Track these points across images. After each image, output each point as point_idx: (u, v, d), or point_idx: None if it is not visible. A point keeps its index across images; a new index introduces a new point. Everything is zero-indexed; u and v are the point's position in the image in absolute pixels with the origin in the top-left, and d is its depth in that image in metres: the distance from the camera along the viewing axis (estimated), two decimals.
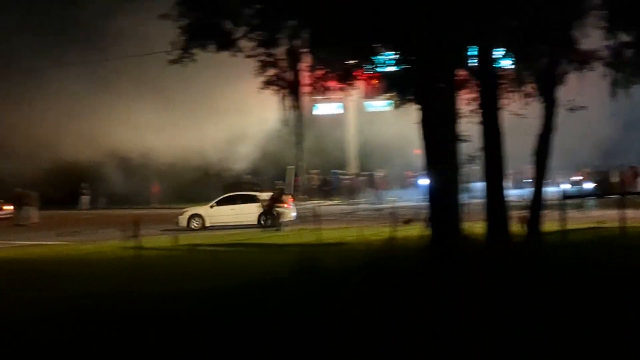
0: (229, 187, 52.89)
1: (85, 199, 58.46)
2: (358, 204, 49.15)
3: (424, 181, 25.37)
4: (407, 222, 25.38)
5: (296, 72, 27.90)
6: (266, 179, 47.32)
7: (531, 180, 21.87)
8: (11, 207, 51.01)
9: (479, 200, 20.11)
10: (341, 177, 54.27)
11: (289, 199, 36.23)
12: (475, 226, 19.82)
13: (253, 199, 38.98)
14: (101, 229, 38.04)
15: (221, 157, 51.88)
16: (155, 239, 28.97)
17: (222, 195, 41.76)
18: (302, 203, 39.72)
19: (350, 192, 52.93)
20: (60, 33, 49.18)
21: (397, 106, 22.14)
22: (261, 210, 37.54)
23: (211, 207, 40.30)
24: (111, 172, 54.71)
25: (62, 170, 53.78)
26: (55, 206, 54.86)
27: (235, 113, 48.98)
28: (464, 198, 19.85)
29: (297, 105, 29.99)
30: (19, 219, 48.74)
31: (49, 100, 51.22)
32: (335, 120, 54.26)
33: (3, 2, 50.10)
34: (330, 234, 27.71)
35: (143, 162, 53.71)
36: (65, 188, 56.92)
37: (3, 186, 51.81)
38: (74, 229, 40.68)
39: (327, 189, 52.37)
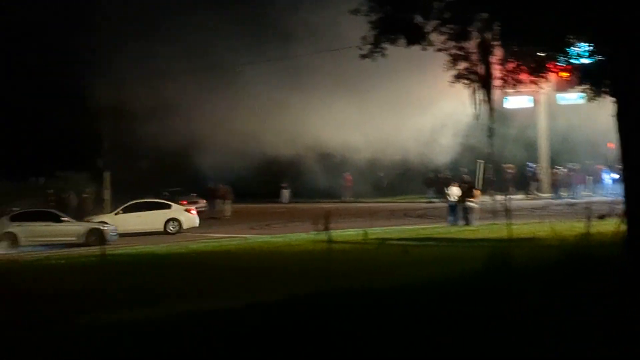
0: (429, 181, 53.09)
1: (285, 192, 59.82)
2: (551, 198, 48.20)
3: (617, 175, 24.55)
4: (602, 217, 24.64)
5: (487, 65, 27.55)
6: (466, 173, 46.73)
7: None
8: (205, 201, 52.81)
9: None
10: (534, 171, 53.20)
11: (478, 193, 35.79)
12: None
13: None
14: (291, 221, 38.69)
15: (418, 151, 51.76)
16: (343, 233, 29.20)
17: None
18: (493, 197, 39.10)
19: (543, 186, 51.96)
20: (254, 30, 50.27)
21: (590, 99, 21.46)
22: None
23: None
24: (309, 167, 55.58)
25: (265, 165, 55.13)
26: (258, 200, 56.57)
27: (428, 107, 48.78)
28: None
29: (488, 99, 29.63)
30: (213, 212, 50.32)
31: (247, 96, 52.45)
32: (526, 114, 53.19)
33: (202, 4, 51.56)
34: (522, 229, 27.17)
35: (341, 156, 54.28)
36: (269, 182, 58.51)
37: (202, 180, 53.55)
38: (266, 222, 41.59)
39: (520, 182, 51.45)
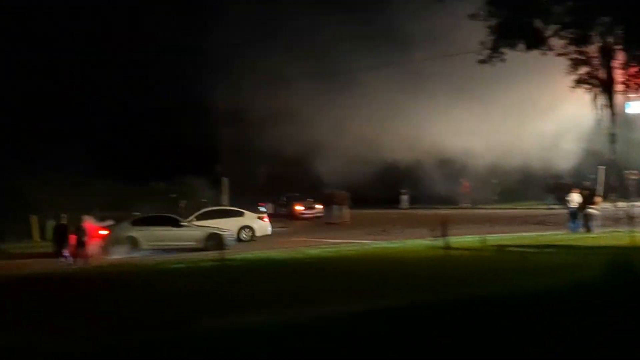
0: (549, 188, 52.18)
1: (404, 198, 59.83)
2: None
3: None
4: None
5: (609, 70, 27.02)
6: (587, 179, 45.69)
7: None
8: (322, 206, 53.15)
9: None
10: None
11: (599, 200, 34.99)
12: None
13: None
14: (409, 228, 38.55)
15: (538, 157, 50.99)
16: (461, 239, 28.95)
17: None
18: (615, 204, 38.16)
19: None
20: (374, 35, 50.30)
21: None
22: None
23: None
24: (428, 173, 55.39)
25: (384, 171, 55.18)
26: (377, 205, 56.70)
27: (549, 113, 48.02)
28: None
29: (610, 104, 29.06)
30: (330, 218, 50.55)
31: (367, 102, 52.58)
32: None
33: (322, 9, 51.87)
34: None
35: (460, 162, 53.89)
36: (389, 188, 58.62)
37: (320, 186, 53.87)
38: (383, 228, 41.51)
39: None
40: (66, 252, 32.39)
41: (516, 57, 28.16)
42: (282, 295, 18.42)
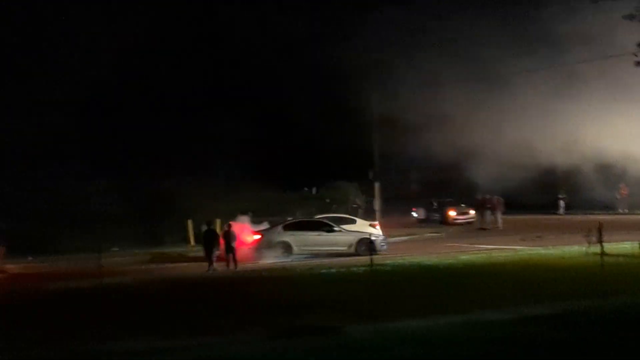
0: None
1: (562, 204, 58.46)
2: None
3: None
4: None
5: None
6: None
7: None
8: (474, 212, 52.66)
9: None
10: None
11: None
12: None
13: None
14: (564, 234, 37.70)
15: None
16: (618, 246, 28.07)
17: None
18: None
19: None
20: (526, 38, 49.46)
21: None
22: None
23: None
24: (585, 178, 53.99)
25: (541, 176, 54.08)
26: (533, 211, 55.84)
27: None
28: None
29: None
30: (482, 223, 50.01)
31: (521, 106, 51.62)
32: None
33: (474, 12, 51.40)
34: None
35: (620, 167, 52.23)
36: (546, 193, 57.55)
37: (474, 191, 53.29)
38: (537, 234, 40.81)
39: None
40: (214, 257, 33.08)
41: None
42: (433, 299, 18.33)
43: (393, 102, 51.51)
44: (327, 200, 50.74)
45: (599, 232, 23.30)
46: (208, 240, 33.49)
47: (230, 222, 34.82)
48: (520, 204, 54.84)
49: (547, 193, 58.00)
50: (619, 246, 28.24)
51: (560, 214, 56.93)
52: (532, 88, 49.82)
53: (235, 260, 33.04)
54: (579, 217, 49.02)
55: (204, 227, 34.89)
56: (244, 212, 39.36)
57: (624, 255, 25.88)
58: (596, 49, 45.67)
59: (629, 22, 24.17)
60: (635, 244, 27.70)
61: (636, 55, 25.23)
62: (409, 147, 53.30)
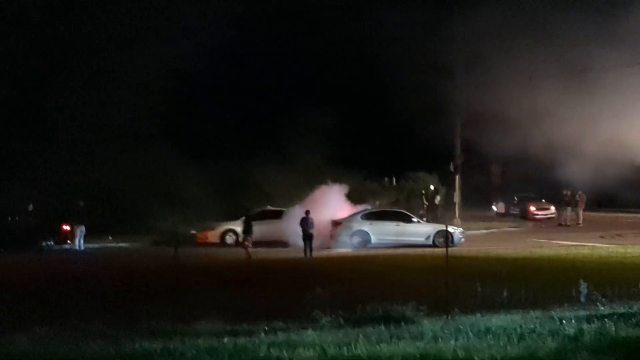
0: None
1: None
2: None
3: None
4: None
5: None
6: None
7: None
8: (554, 207, 52.34)
9: None
10: None
11: None
12: None
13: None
14: None
15: None
16: None
17: None
18: None
19: None
20: (620, 33, 48.65)
21: None
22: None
23: None
24: None
25: (636, 174, 53.08)
26: (626, 209, 55.11)
27: None
28: None
29: None
30: (562, 219, 49.68)
31: (614, 101, 50.82)
32: None
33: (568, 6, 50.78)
34: None
35: None
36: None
37: (557, 187, 52.77)
38: (618, 232, 40.47)
39: None
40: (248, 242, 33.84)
41: None
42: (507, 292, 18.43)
43: (482, 95, 51.21)
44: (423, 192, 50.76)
45: None
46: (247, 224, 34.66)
47: (308, 209, 35.15)
48: (613, 201, 54.24)
49: None
50: None
51: None
52: (625, 84, 49.13)
53: (310, 248, 33.40)
54: None
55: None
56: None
57: None
58: None
59: None
60: None
61: None
62: (494, 141, 53.01)
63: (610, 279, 20.74)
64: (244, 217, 36.24)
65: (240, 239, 36.29)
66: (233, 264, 29.88)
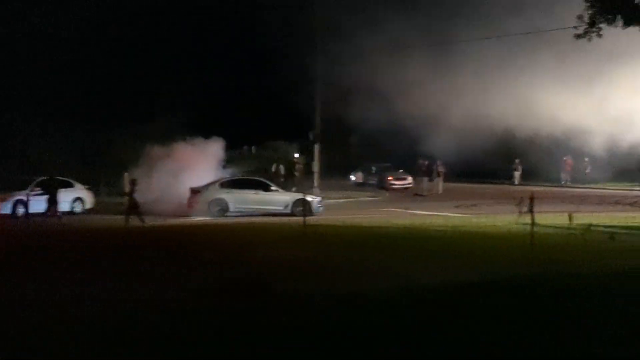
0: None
1: (517, 174, 57.96)
2: None
3: None
4: None
5: None
6: None
7: None
8: (412, 178, 53.12)
9: None
10: None
11: None
12: None
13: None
14: (501, 203, 37.96)
15: (614, 139, 49.54)
16: (549, 217, 28.38)
17: None
18: None
19: None
20: (477, 6, 49.40)
21: None
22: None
23: None
24: (537, 149, 54.23)
25: (498, 145, 54.00)
26: (487, 180, 56.18)
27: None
28: None
29: None
30: (419, 189, 50.43)
31: (470, 74, 51.51)
32: None
33: None
34: None
35: (571, 139, 52.40)
36: (505, 162, 57.56)
37: (415, 157, 53.48)
38: (475, 202, 41.26)
39: None
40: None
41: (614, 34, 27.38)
42: (361, 262, 18.47)
43: (347, 66, 51.32)
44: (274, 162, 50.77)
45: (531, 203, 23.53)
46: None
47: (134, 178, 34.79)
48: (477, 172, 55.27)
49: (505, 162, 57.98)
50: (551, 217, 28.54)
51: (515, 184, 56.49)
52: (485, 56, 49.96)
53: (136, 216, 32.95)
54: (529, 188, 49.24)
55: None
56: None
57: (555, 227, 26.21)
58: (547, 21, 45.59)
59: None
60: (568, 216, 28.04)
61: (576, 28, 25.34)
62: (358, 112, 53.30)
63: (460, 248, 21.14)
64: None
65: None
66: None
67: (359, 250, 20.89)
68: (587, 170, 55.74)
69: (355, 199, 47.80)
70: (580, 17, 25.00)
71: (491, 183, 56.24)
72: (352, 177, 59.81)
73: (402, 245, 22.13)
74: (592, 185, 52.92)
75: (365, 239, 24.43)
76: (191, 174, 38.36)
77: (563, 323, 11.63)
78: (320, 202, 37.73)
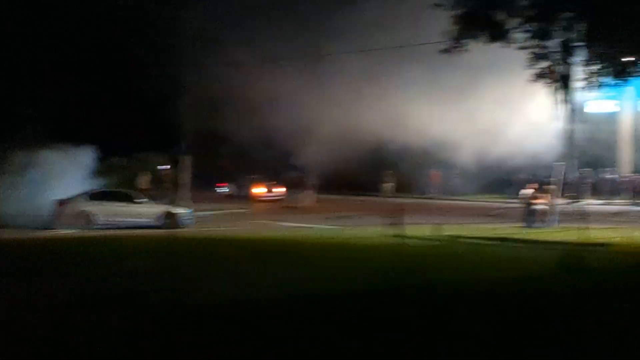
0: (508, 182, 51.94)
1: (387, 186, 58.21)
2: (629, 204, 47.16)
3: None
4: None
5: (568, 66, 27.08)
6: (544, 175, 45.67)
7: None
8: (284, 189, 53.19)
9: None
10: (612, 177, 52.32)
11: (551, 196, 35.12)
12: None
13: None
14: (371, 214, 38.35)
15: (499, 150, 50.79)
16: (416, 228, 28.83)
17: None
18: (570, 200, 38.43)
19: (622, 192, 50.85)
20: (347, 20, 49.90)
21: None
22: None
23: None
24: (406, 162, 54.93)
25: (372, 158, 54.33)
26: (359, 192, 56.52)
27: (512, 106, 48.32)
28: None
29: (568, 100, 29.15)
30: (290, 201, 50.55)
31: (335, 88, 51.98)
32: (609, 119, 52.36)
33: None
34: (596, 233, 26.60)
35: (437, 152, 53.30)
36: (376, 175, 57.93)
37: (287, 169, 53.56)
38: (345, 214, 41.58)
39: (593, 187, 50.43)
40: None
41: (484, 50, 28.10)
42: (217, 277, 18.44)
43: (213, 77, 51.07)
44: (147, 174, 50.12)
45: (399, 215, 23.85)
46: None
47: None
48: (349, 184, 55.67)
49: (377, 174, 58.49)
50: (418, 229, 28.93)
51: (386, 196, 56.86)
52: (355, 71, 50.55)
53: None
54: (400, 200, 49.86)
55: None
56: None
57: (421, 238, 26.60)
58: (415, 36, 46.37)
59: (436, 11, 24.77)
60: (435, 228, 28.55)
61: (443, 43, 25.92)
62: (226, 123, 53.15)
63: (327, 260, 21.31)
64: None
65: None
66: None
67: (224, 263, 20.85)
68: (454, 183, 56.90)
69: (227, 211, 47.57)
70: (445, 33, 25.48)
71: (363, 195, 56.80)
72: (224, 189, 59.64)
73: (267, 257, 22.14)
74: (460, 198, 54.09)
75: (232, 251, 24.38)
76: (58, 185, 37.51)
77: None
78: (190, 214, 37.41)
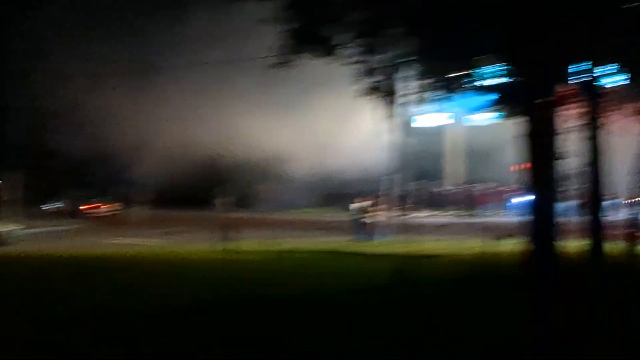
0: (336, 196, 52.58)
1: (221, 201, 57.42)
2: (455, 216, 48.49)
3: (521, 197, 24.79)
4: (503, 237, 24.91)
5: (395, 81, 27.64)
6: (372, 188, 46.51)
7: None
8: (116, 205, 52.40)
9: (574, 219, 19.51)
10: (439, 189, 53.79)
11: (380, 209, 35.79)
12: (573, 245, 19.31)
13: None
14: (200, 230, 38.09)
15: (328, 164, 51.30)
16: (245, 243, 28.76)
17: None
18: (397, 214, 39.23)
19: (449, 204, 52.25)
20: (176, 33, 49.53)
21: (506, 117, 21.87)
22: None
23: None
24: (243, 175, 54.67)
25: (209, 172, 53.78)
26: (194, 207, 55.80)
27: (341, 120, 48.94)
28: (561, 215, 19.27)
29: (395, 115, 29.81)
30: (122, 217, 49.86)
31: (164, 101, 51.49)
32: (435, 132, 53.80)
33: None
34: (424, 246, 27.25)
35: (264, 167, 53.31)
36: (207, 190, 57.22)
37: (118, 185, 52.70)
38: (175, 229, 41.19)
39: (421, 200, 51.68)
40: None
41: (311, 64, 28.30)
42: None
43: (45, 91, 49.87)
44: None
45: (227, 230, 23.79)
46: None
47: None
48: (183, 198, 54.91)
49: (211, 189, 57.90)
50: (248, 244, 28.88)
51: (219, 211, 56.19)
52: (190, 86, 50.25)
53: None
54: (233, 215, 49.60)
55: None
56: None
57: (250, 252, 26.62)
58: (243, 50, 46.51)
59: (263, 26, 24.85)
60: (265, 242, 28.63)
61: (270, 58, 26.07)
62: (58, 138, 51.93)
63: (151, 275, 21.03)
64: None
65: None
66: None
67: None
68: (287, 197, 57.08)
69: (58, 228, 46.35)
70: (275, 48, 25.60)
71: (196, 210, 56.28)
72: (56, 205, 58.16)
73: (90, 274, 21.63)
74: (293, 212, 54.32)
75: (56, 269, 23.72)
76: None
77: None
78: (18, 231, 36.30)
